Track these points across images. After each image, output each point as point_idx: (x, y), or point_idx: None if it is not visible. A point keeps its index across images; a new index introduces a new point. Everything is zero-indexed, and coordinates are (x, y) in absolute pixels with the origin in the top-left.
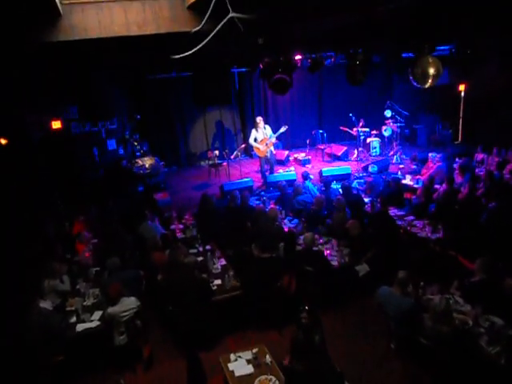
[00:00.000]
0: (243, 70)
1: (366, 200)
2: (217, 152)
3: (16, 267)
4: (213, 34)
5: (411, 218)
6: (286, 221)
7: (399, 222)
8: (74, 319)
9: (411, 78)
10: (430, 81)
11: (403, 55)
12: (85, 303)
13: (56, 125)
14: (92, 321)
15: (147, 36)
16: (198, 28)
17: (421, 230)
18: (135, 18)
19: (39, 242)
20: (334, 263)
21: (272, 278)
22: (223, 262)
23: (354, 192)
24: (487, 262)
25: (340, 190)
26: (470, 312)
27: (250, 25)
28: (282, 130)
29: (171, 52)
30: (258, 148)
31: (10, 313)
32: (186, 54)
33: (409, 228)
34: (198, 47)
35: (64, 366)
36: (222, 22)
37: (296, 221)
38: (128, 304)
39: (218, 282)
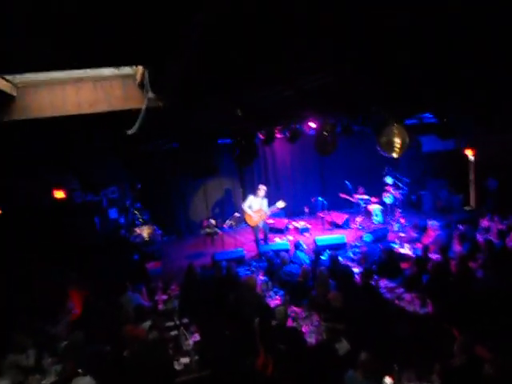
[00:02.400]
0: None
1: (357, 271)
2: (213, 221)
3: None
4: (140, 117)
5: (401, 290)
6: (271, 293)
7: (387, 295)
8: None
9: (378, 148)
10: (396, 150)
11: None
12: (43, 382)
13: (59, 194)
14: None
15: (99, 114)
16: (144, 106)
17: (409, 304)
18: (87, 97)
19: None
20: (312, 340)
21: (244, 356)
22: (197, 337)
23: (342, 262)
24: (465, 341)
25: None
26: None
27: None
28: (278, 205)
29: (127, 128)
30: (250, 216)
31: None
32: (133, 130)
33: (397, 301)
34: (130, 130)
35: None
36: (144, 106)
37: (282, 293)
38: None
39: (185, 360)
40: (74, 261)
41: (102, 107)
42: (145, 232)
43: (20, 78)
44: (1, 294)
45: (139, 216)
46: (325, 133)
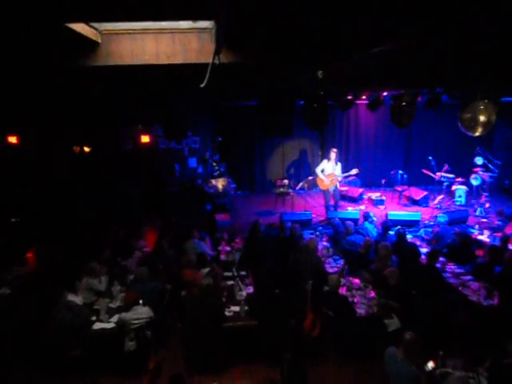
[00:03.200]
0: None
1: (425, 251)
2: (286, 181)
3: (57, 261)
4: (208, 70)
5: (468, 277)
6: (331, 259)
7: (452, 280)
8: (94, 318)
9: (459, 124)
10: (479, 129)
11: (507, 99)
12: (110, 305)
13: (145, 139)
14: (109, 322)
15: (175, 65)
16: (213, 61)
17: (473, 293)
18: (165, 49)
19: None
20: (361, 312)
21: (292, 314)
22: (251, 289)
23: (409, 240)
24: None
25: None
26: None
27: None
28: (352, 172)
29: (199, 81)
30: (321, 180)
31: (39, 303)
32: (204, 84)
33: (460, 288)
34: (201, 84)
35: (77, 362)
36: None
37: (342, 261)
38: (140, 313)
39: (236, 308)
40: (154, 203)
41: (178, 59)
42: (220, 184)
43: (105, 26)
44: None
45: (217, 168)
46: (403, 103)
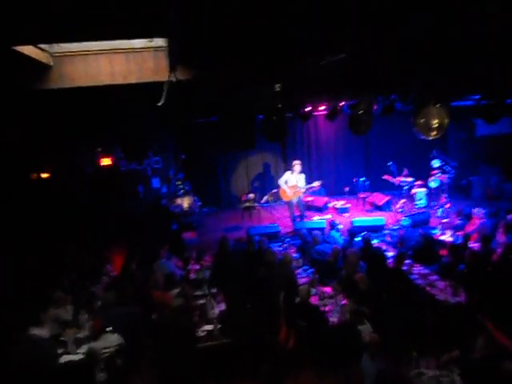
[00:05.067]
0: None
1: (391, 254)
2: (251, 195)
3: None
4: (165, 88)
5: (435, 277)
6: (301, 270)
7: (419, 281)
8: (61, 350)
9: (414, 128)
10: (433, 132)
11: (459, 103)
12: (78, 335)
13: (106, 161)
14: (78, 354)
15: (131, 85)
16: (170, 79)
17: (441, 292)
18: (120, 69)
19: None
20: (334, 320)
21: (265, 328)
22: (223, 307)
23: (374, 245)
24: (488, 341)
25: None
26: None
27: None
28: (315, 184)
29: (156, 100)
30: (284, 191)
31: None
32: (161, 101)
33: (428, 288)
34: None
35: None
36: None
37: (312, 271)
38: (109, 341)
39: (209, 327)
40: (118, 226)
41: (134, 78)
42: (185, 202)
43: (56, 49)
44: (49, 255)
45: (181, 186)
46: (360, 111)
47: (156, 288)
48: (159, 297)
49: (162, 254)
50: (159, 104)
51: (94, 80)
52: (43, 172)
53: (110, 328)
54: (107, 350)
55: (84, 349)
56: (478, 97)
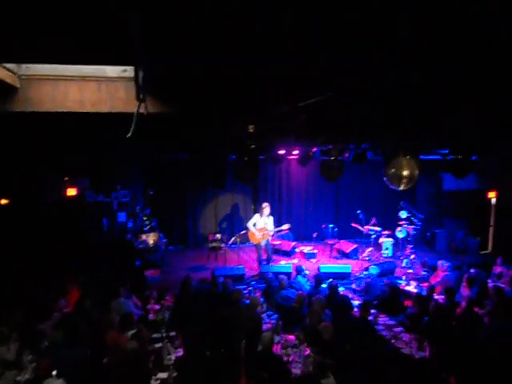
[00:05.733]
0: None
1: (357, 303)
2: (219, 235)
3: None
4: (134, 120)
5: (400, 329)
6: (264, 315)
7: (384, 333)
8: None
9: (384, 178)
10: (403, 183)
11: (427, 157)
12: (18, 378)
13: (71, 192)
14: None
15: (101, 114)
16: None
17: (406, 345)
18: (90, 96)
19: None
20: (297, 371)
21: (226, 378)
22: (181, 352)
23: (341, 293)
24: None
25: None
26: None
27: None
28: (284, 227)
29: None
30: (253, 234)
31: None
32: (130, 134)
33: (393, 341)
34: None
35: None
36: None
37: (276, 316)
38: None
39: (163, 375)
40: (77, 260)
41: (104, 107)
42: (150, 239)
43: (24, 71)
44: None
45: (148, 222)
46: (332, 158)
47: (111, 328)
48: (113, 338)
49: (121, 291)
50: (128, 136)
51: (61, 106)
52: (2, 198)
53: (55, 372)
54: None
55: None
56: (445, 151)
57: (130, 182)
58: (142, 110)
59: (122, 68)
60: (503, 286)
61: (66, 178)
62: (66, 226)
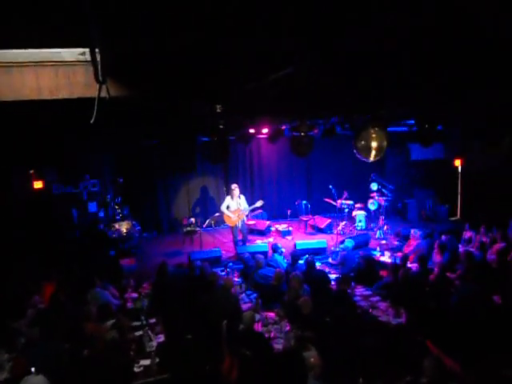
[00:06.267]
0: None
1: (334, 277)
2: (193, 219)
3: None
4: (95, 105)
5: (376, 298)
6: (244, 295)
7: (362, 303)
8: None
9: (354, 150)
10: (372, 154)
11: (394, 129)
12: None
13: (37, 185)
14: None
15: (61, 100)
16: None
17: (383, 314)
18: (47, 83)
19: None
20: (279, 347)
21: (209, 359)
22: (162, 338)
23: (318, 267)
24: (434, 363)
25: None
26: None
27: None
28: (258, 204)
29: (88, 116)
30: (228, 217)
31: None
32: (92, 120)
33: (370, 310)
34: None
35: None
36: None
37: (255, 296)
38: (33, 383)
39: (146, 362)
40: (49, 254)
41: (63, 94)
42: (123, 227)
43: None
44: None
45: (119, 211)
46: (301, 133)
47: (89, 320)
48: (92, 330)
49: (96, 282)
50: (91, 122)
51: (17, 94)
52: None
53: (34, 368)
54: None
55: None
56: (411, 122)
57: (99, 171)
58: (103, 95)
59: (80, 51)
60: (473, 250)
61: (32, 171)
62: (35, 221)
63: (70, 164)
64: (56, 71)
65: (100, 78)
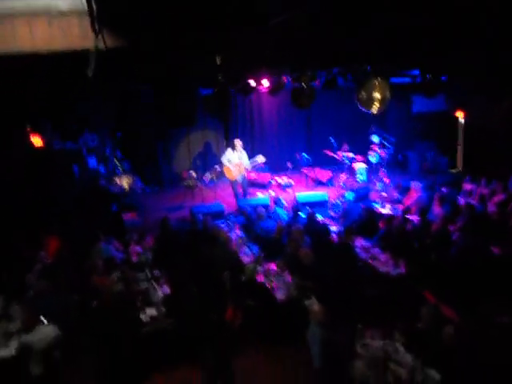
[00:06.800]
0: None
1: (335, 229)
2: (193, 173)
3: None
4: (92, 57)
5: (376, 250)
6: (246, 248)
7: (363, 255)
8: None
9: (357, 102)
10: (375, 105)
11: (396, 80)
12: (9, 328)
13: (36, 141)
14: (8, 347)
15: (56, 52)
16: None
17: (383, 265)
18: (41, 34)
19: None
20: (281, 296)
21: (213, 309)
22: (167, 290)
23: (319, 220)
24: (431, 311)
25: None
26: (407, 364)
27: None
28: (258, 160)
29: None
30: (229, 169)
31: None
32: (90, 72)
33: (371, 261)
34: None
35: None
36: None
37: (256, 248)
38: (44, 333)
39: (153, 311)
40: (52, 210)
41: (58, 45)
42: (124, 182)
43: None
44: None
45: (119, 165)
46: (303, 84)
47: (95, 273)
48: (99, 282)
49: (100, 236)
50: (89, 75)
51: (10, 46)
52: None
53: (45, 319)
54: (43, 343)
55: (16, 342)
56: (415, 73)
57: (96, 125)
58: (100, 46)
59: None
60: (473, 202)
61: (29, 127)
62: (36, 178)
63: (68, 118)
64: (50, 22)
65: (96, 28)
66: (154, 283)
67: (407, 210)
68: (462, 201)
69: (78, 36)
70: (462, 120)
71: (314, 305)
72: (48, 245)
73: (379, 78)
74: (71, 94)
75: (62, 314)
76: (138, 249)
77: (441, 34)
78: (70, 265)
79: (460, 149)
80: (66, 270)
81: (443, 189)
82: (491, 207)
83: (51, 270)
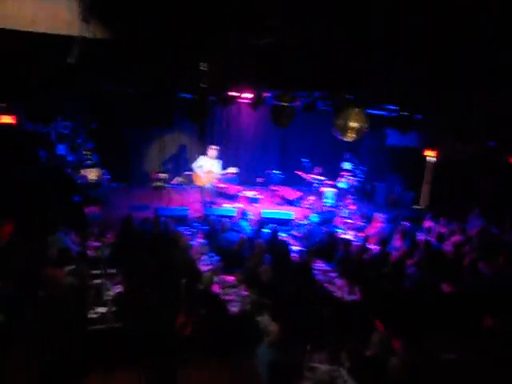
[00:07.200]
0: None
1: (296, 248)
2: (163, 175)
3: None
4: (76, 44)
5: (334, 274)
6: (206, 257)
7: (320, 277)
8: None
9: (332, 128)
10: (350, 134)
11: (373, 112)
12: None
13: (6, 119)
14: None
15: (41, 34)
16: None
17: (338, 289)
18: (28, 13)
19: None
20: (235, 310)
21: (164, 314)
22: (120, 289)
23: (281, 238)
24: (381, 339)
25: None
26: None
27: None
28: (231, 170)
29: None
30: (198, 176)
31: None
32: (72, 60)
33: (326, 285)
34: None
35: None
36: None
37: (217, 258)
38: None
39: (102, 309)
40: (10, 191)
41: (43, 27)
42: (92, 174)
43: None
44: None
45: (89, 156)
46: (283, 103)
47: (48, 263)
48: (50, 273)
49: (59, 226)
50: (70, 61)
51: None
52: None
53: None
54: None
55: None
56: (392, 107)
57: (72, 113)
58: (86, 34)
59: None
60: (431, 239)
61: (4, 105)
62: None
63: (43, 102)
64: (39, 1)
65: (85, 16)
66: (107, 281)
67: (367, 239)
68: (421, 237)
69: (66, 21)
70: (430, 159)
71: (267, 323)
72: (3, 229)
73: (356, 109)
74: (49, 78)
75: (5, 302)
76: (95, 244)
77: (419, 73)
78: (22, 251)
79: (426, 186)
80: (16, 256)
81: (406, 223)
82: (448, 246)
83: (1, 255)
